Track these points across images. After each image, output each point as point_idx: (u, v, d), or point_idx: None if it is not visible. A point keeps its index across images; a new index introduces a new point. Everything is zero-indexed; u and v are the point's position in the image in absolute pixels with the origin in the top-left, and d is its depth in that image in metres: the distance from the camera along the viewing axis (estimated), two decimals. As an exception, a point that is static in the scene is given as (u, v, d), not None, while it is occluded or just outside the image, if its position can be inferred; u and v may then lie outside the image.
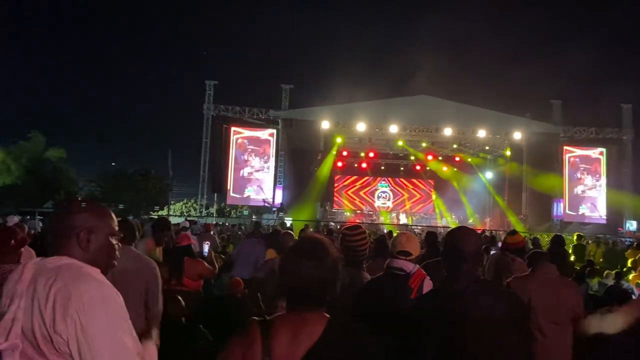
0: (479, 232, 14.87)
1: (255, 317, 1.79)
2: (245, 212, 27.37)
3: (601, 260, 12.93)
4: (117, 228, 1.89)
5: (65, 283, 1.63)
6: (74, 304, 1.58)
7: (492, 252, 6.70)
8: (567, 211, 27.41)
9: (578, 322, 3.48)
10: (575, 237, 13.28)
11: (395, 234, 14.55)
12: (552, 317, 3.45)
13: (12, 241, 3.50)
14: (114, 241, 1.86)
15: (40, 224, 14.52)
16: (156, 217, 24.44)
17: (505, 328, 2.10)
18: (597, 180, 27.87)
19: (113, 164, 29.60)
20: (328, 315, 1.74)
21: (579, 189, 27.77)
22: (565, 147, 27.63)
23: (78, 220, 1.79)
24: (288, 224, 18.97)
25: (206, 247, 6.02)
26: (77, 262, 1.74)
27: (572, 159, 27.83)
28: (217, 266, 6.06)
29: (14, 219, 9.80)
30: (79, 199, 2.03)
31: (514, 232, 5.73)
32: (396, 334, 2.41)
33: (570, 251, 11.69)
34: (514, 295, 2.31)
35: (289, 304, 1.77)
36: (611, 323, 3.29)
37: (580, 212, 27.67)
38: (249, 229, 14.29)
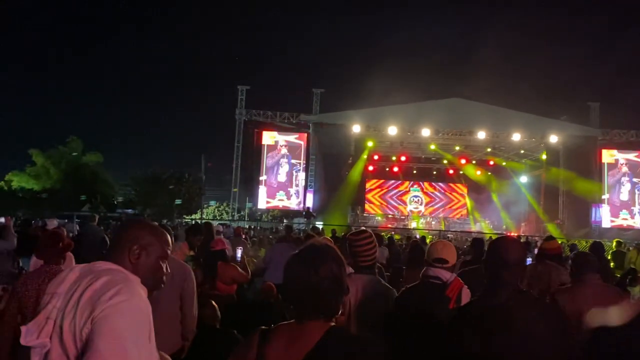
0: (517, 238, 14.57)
1: (262, 327, 1.80)
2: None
3: (643, 267, 12.48)
4: (169, 252, 1.92)
5: (105, 284, 1.65)
6: (102, 305, 1.60)
7: (528, 260, 6.53)
8: (606, 217, 26.63)
9: None
10: (614, 244, 12.85)
11: (429, 240, 14.35)
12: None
13: (60, 244, 3.60)
14: (163, 265, 1.89)
15: (78, 227, 14.88)
16: (190, 220, 24.80)
17: (546, 344, 2.02)
18: (638, 184, 27.00)
19: (151, 170, 30.08)
20: (331, 324, 1.71)
21: (618, 194, 26.95)
22: (603, 150, 26.87)
23: (134, 235, 1.84)
24: (320, 228, 18.97)
25: (239, 252, 6.05)
26: (122, 269, 1.77)
27: (611, 162, 27.03)
28: (249, 271, 6.08)
29: (53, 223, 10.09)
30: (145, 217, 2.08)
31: (550, 238, 5.44)
32: (434, 345, 2.36)
33: (609, 258, 11.32)
34: (557, 309, 2.23)
35: (294, 312, 1.76)
36: (615, 315, 3.16)
37: (620, 218, 26.84)
38: (281, 233, 14.33)
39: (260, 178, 25.98)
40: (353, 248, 3.31)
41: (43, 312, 1.67)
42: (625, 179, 26.96)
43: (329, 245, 1.87)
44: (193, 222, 22.65)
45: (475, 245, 6.46)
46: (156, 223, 2.28)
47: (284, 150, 26.21)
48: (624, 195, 26.93)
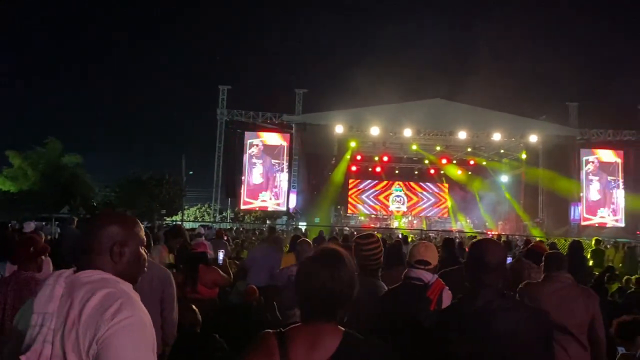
0: (497, 237, 14.70)
1: (269, 330, 1.77)
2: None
3: (620, 265, 12.70)
4: (144, 236, 1.87)
5: (103, 299, 1.58)
6: (106, 324, 1.53)
7: (508, 260, 6.59)
8: (584, 215, 27.06)
9: (595, 332, 3.33)
10: (593, 242, 13.04)
11: (410, 239, 14.33)
12: (564, 328, 3.26)
13: (32, 249, 3.53)
14: (143, 251, 1.84)
15: (58, 230, 14.65)
16: (170, 222, 24.58)
17: (529, 346, 2.03)
18: (615, 183, 27.49)
19: (133, 171, 29.75)
20: (342, 328, 1.72)
21: (596, 192, 27.40)
22: (582, 150, 27.30)
23: (110, 233, 1.76)
24: (303, 229, 18.96)
25: (221, 255, 6.00)
26: (112, 277, 1.69)
27: (589, 161, 27.48)
28: (231, 274, 6.03)
29: (30, 225, 9.89)
30: (107, 210, 2.02)
31: (543, 242, 5.58)
32: (417, 349, 2.36)
33: (588, 256, 11.48)
34: (540, 312, 2.23)
35: (303, 314, 1.75)
36: None
37: (598, 216, 27.30)
38: (264, 234, 14.24)
39: (242, 178, 25.85)
40: (361, 252, 3.31)
41: (40, 335, 1.56)
42: (602, 178, 27.43)
43: (343, 249, 1.86)
44: (173, 223, 22.48)
45: (446, 246, 6.52)
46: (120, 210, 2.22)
47: (266, 151, 26.11)
48: (602, 194, 27.38)
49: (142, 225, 1.89)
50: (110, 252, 1.73)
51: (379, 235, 3.87)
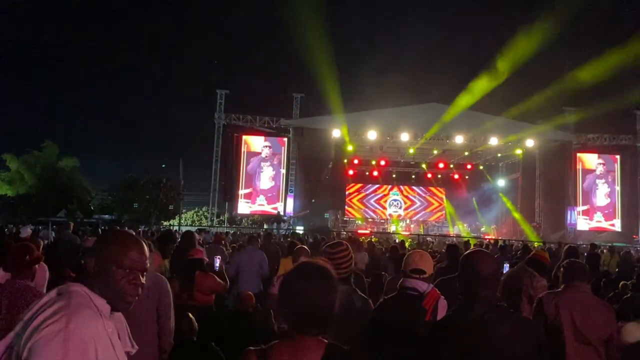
0: (494, 242, 14.70)
1: (251, 347, 1.76)
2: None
3: (616, 270, 12.72)
4: (136, 262, 1.71)
5: (52, 312, 1.54)
6: (37, 335, 1.49)
7: (505, 265, 6.56)
8: (581, 219, 27.13)
9: (611, 344, 3.33)
10: (589, 246, 13.07)
11: (407, 244, 14.25)
12: (583, 338, 3.27)
13: (27, 257, 3.52)
14: (130, 275, 1.70)
15: (53, 234, 14.61)
16: (168, 225, 24.52)
17: (523, 358, 2.04)
18: (612, 187, 27.57)
19: (130, 175, 29.68)
20: (325, 340, 1.71)
21: (593, 197, 27.48)
22: (578, 154, 27.39)
23: (96, 246, 1.72)
24: (300, 233, 18.95)
25: (218, 261, 5.98)
26: (86, 290, 1.64)
27: (586, 166, 27.57)
28: (227, 280, 6.03)
29: (27, 230, 9.90)
30: (122, 222, 1.96)
31: (544, 250, 5.56)
32: (411, 358, 2.36)
33: (584, 261, 11.48)
34: (532, 323, 2.25)
35: (291, 327, 1.73)
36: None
37: (594, 220, 27.37)
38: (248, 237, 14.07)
39: (240, 183, 25.84)
40: (330, 260, 3.30)
41: (3, 341, 1.57)
42: (599, 182, 27.52)
43: (326, 264, 1.86)
44: (171, 227, 22.44)
45: (450, 252, 6.47)
46: (130, 230, 2.20)
47: (264, 155, 26.13)
48: (599, 199, 27.47)
49: (142, 251, 1.75)
50: (86, 264, 1.70)
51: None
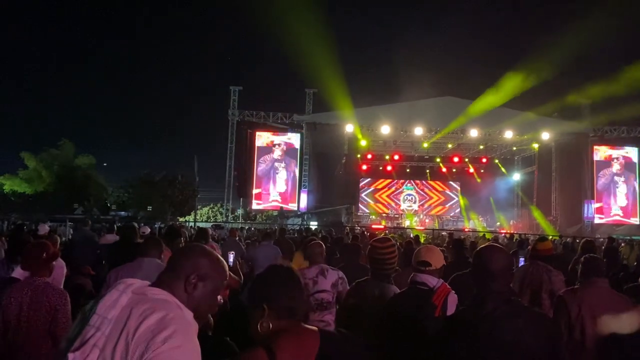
0: (510, 236, 14.59)
1: (262, 345, 1.80)
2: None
3: (635, 263, 12.54)
4: (225, 284, 1.83)
5: (160, 321, 1.56)
6: (153, 348, 1.51)
7: (520, 259, 6.52)
8: (598, 212, 26.79)
9: None
10: (606, 240, 12.91)
11: (422, 239, 14.19)
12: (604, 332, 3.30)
13: (44, 254, 3.59)
14: (218, 297, 1.80)
15: (70, 231, 14.79)
16: (183, 222, 24.70)
17: (534, 353, 2.03)
18: (629, 180, 27.17)
19: (146, 172, 29.95)
20: (316, 328, 1.87)
21: (610, 190, 27.11)
22: (595, 147, 27.02)
23: (195, 263, 1.76)
24: (313, 228, 18.97)
25: (231, 257, 6.01)
26: (177, 301, 1.66)
27: (602, 158, 27.19)
28: (242, 275, 6.05)
29: (45, 228, 9.99)
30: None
31: (543, 239, 5.43)
32: (421, 354, 2.36)
33: (602, 255, 11.34)
34: (546, 318, 2.23)
35: (286, 320, 1.85)
36: (627, 323, 3.19)
37: (612, 213, 27.01)
38: (262, 233, 14.13)
39: (254, 178, 25.93)
40: (376, 255, 3.33)
41: (92, 338, 1.57)
42: (616, 175, 27.14)
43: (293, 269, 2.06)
44: (187, 223, 22.61)
45: (455, 247, 6.44)
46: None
47: (277, 151, 26.17)
48: (617, 191, 27.09)
49: (228, 272, 1.86)
50: (186, 281, 1.72)
51: (392, 236, 3.89)
